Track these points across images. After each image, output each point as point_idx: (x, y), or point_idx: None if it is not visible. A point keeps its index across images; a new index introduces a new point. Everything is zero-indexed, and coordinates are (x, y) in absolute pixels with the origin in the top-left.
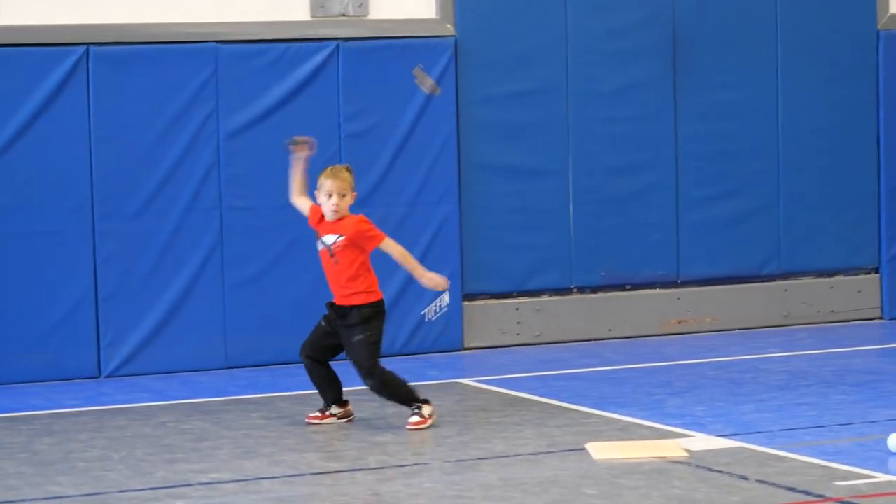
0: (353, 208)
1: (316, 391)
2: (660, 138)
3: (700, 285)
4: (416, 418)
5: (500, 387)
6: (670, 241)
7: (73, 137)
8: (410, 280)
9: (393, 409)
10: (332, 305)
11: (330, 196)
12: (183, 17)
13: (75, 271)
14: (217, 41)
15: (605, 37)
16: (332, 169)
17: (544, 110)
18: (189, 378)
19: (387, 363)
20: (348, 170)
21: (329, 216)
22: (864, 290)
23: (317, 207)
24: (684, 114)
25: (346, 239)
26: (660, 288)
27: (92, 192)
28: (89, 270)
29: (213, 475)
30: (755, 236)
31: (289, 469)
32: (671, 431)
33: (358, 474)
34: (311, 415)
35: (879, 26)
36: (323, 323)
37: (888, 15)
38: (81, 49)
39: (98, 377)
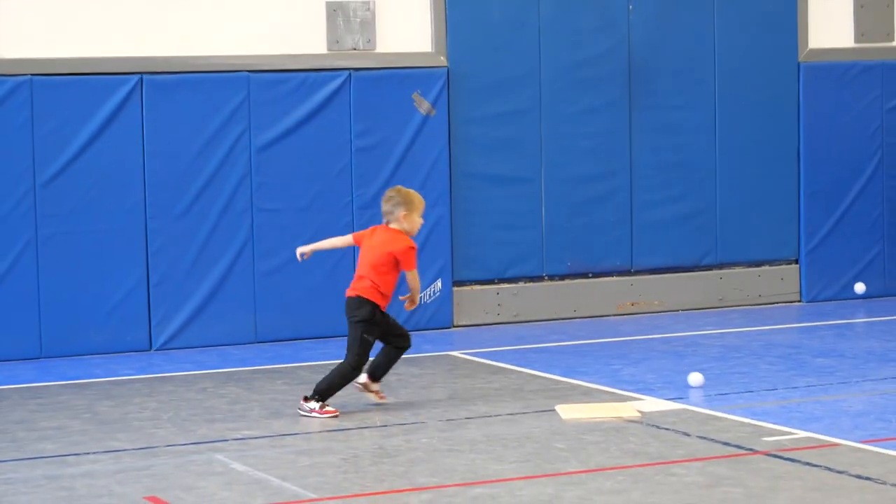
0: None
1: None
2: (618, 151)
3: (650, 273)
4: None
5: (484, 358)
6: (625, 237)
7: (129, 151)
8: None
9: (394, 377)
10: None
11: (421, 217)
12: (221, 50)
13: (131, 262)
14: (249, 71)
15: (572, 67)
16: (418, 193)
17: (522, 128)
18: (225, 351)
19: None
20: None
21: (415, 233)
22: (785, 277)
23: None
24: (638, 131)
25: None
26: (616, 276)
27: (145, 196)
28: (142, 261)
29: (245, 432)
30: (696, 233)
31: (307, 427)
32: (627, 395)
33: (365, 431)
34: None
35: (800, 59)
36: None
37: (807, 49)
38: (136, 77)
39: (149, 350)
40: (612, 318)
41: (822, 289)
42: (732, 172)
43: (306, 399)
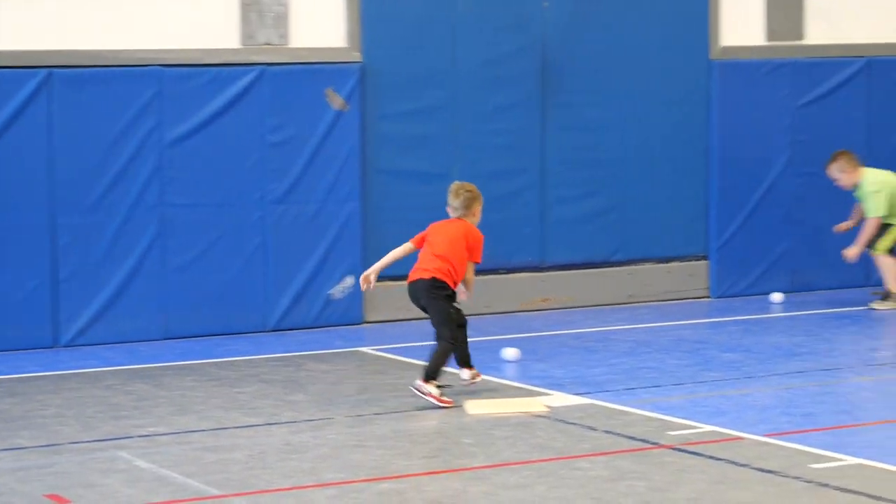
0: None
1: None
2: (530, 148)
3: (561, 270)
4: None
5: (395, 354)
6: (537, 234)
7: (37, 146)
8: (320, 264)
9: (304, 373)
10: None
11: None
12: (133, 44)
13: (38, 257)
14: (161, 65)
15: (486, 64)
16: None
17: (436, 125)
18: (133, 347)
19: (297, 335)
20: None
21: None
22: (694, 273)
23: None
24: (550, 128)
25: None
26: (527, 272)
27: (54, 191)
28: (50, 257)
29: (151, 429)
30: (607, 229)
31: (215, 424)
32: (535, 391)
33: (273, 427)
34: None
35: (711, 57)
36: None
37: (719, 47)
38: (45, 71)
39: (55, 347)
40: (523, 314)
41: (731, 285)
42: (643, 169)
43: (425, 381)
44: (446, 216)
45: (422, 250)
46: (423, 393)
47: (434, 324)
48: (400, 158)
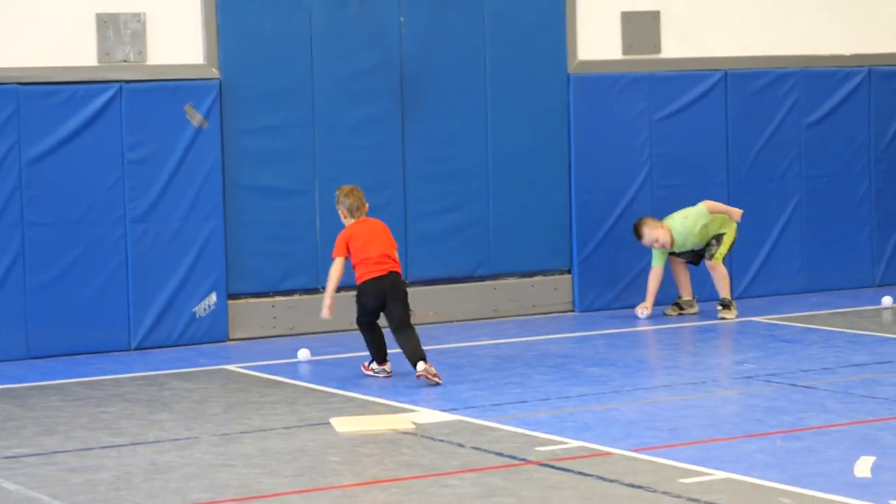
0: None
1: None
2: (391, 163)
3: (425, 285)
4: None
5: (260, 371)
6: (400, 249)
7: None
8: (183, 282)
9: (168, 391)
10: None
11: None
12: None
13: None
14: (19, 83)
15: (345, 78)
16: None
17: (295, 140)
18: None
19: (161, 353)
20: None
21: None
22: (559, 287)
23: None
24: (411, 142)
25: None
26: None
27: None
28: None
29: (17, 450)
30: (470, 244)
31: (80, 444)
32: (401, 407)
33: (139, 447)
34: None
35: (570, 70)
36: None
37: (577, 61)
38: None
39: None
40: (387, 329)
41: (595, 298)
42: (505, 183)
43: (425, 363)
44: (310, 231)
45: (356, 255)
46: (431, 375)
47: (403, 314)
48: (260, 174)
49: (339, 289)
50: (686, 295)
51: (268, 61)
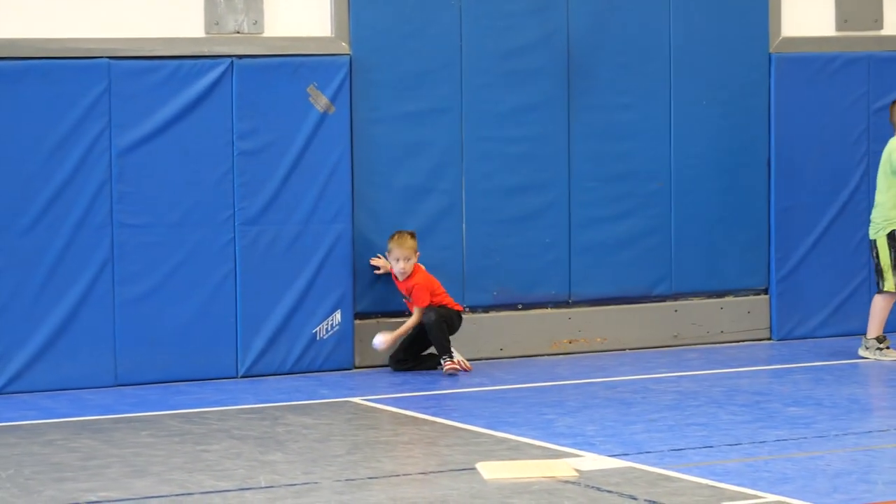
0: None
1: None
2: (554, 159)
3: (591, 305)
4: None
5: (391, 405)
6: (562, 261)
7: None
8: (302, 297)
9: (284, 426)
10: None
11: (398, 261)
12: (75, 32)
13: None
14: (110, 57)
15: (498, 57)
16: (398, 235)
17: (439, 130)
18: (78, 395)
19: (274, 382)
20: (412, 236)
21: (400, 277)
22: (753, 310)
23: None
24: (578, 134)
25: (413, 295)
26: (551, 307)
27: None
28: None
29: (102, 494)
30: (646, 257)
31: (178, 488)
32: (562, 451)
33: (247, 493)
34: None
35: (771, 50)
36: None
37: (780, 38)
38: None
39: None
40: (546, 357)
41: (797, 324)
42: (690, 185)
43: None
44: (456, 239)
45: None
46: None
47: None
48: (395, 171)
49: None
50: None
51: (408, 35)
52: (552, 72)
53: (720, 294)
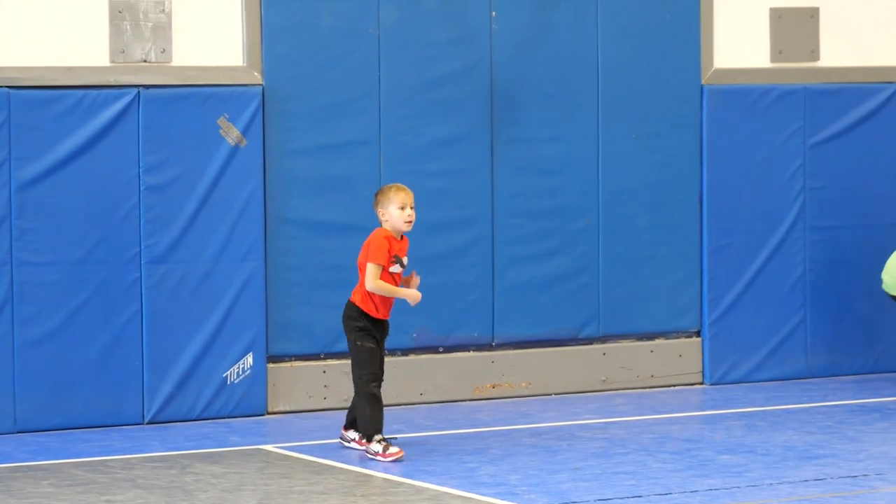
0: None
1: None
2: (477, 194)
3: (516, 348)
4: (376, 447)
5: (305, 453)
6: (486, 302)
7: None
8: (212, 340)
9: (193, 476)
10: (379, 322)
11: (403, 208)
12: None
13: None
14: (9, 87)
15: (419, 88)
16: (396, 185)
17: (356, 164)
18: None
19: (182, 429)
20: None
21: (406, 228)
22: (685, 353)
23: (387, 240)
24: (502, 168)
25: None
26: (474, 350)
27: None
28: None
29: None
30: (574, 297)
31: None
32: (484, 501)
33: None
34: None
35: (703, 81)
36: (374, 345)
37: (713, 70)
38: None
39: None
40: (468, 403)
41: (730, 368)
42: (619, 222)
43: (367, 441)
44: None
45: None
46: (370, 454)
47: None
48: (311, 206)
49: None
50: None
51: (324, 65)
52: (475, 103)
53: (650, 336)
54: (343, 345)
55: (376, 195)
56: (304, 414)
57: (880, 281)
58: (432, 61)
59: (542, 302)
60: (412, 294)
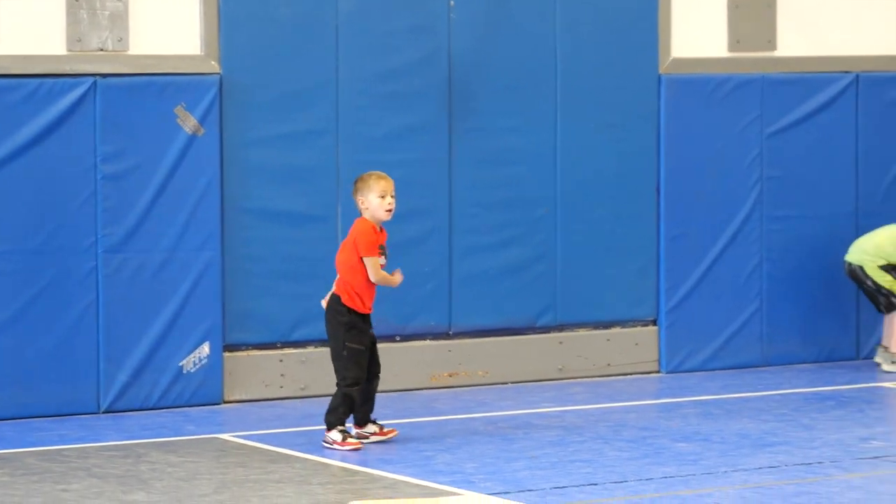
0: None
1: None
2: (434, 184)
3: (472, 337)
4: (335, 435)
5: (261, 442)
6: (443, 291)
7: None
8: (168, 329)
9: (148, 464)
10: (366, 316)
11: (384, 196)
12: None
13: None
14: None
15: (377, 78)
16: (377, 172)
17: (313, 153)
18: None
19: (138, 418)
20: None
21: (386, 217)
22: (641, 342)
23: (373, 231)
24: (459, 159)
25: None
26: (431, 339)
27: None
28: None
29: None
30: (531, 286)
31: None
32: (440, 489)
33: None
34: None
35: (661, 70)
36: (363, 347)
37: (670, 59)
38: None
39: None
40: (425, 392)
41: (686, 357)
42: (576, 211)
43: (329, 429)
44: (329, 268)
45: None
46: (326, 443)
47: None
48: (268, 195)
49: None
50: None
51: (282, 55)
52: (433, 94)
53: (607, 325)
54: (300, 334)
55: (355, 182)
56: (260, 403)
57: (846, 264)
58: (390, 51)
59: (499, 291)
60: (399, 279)
